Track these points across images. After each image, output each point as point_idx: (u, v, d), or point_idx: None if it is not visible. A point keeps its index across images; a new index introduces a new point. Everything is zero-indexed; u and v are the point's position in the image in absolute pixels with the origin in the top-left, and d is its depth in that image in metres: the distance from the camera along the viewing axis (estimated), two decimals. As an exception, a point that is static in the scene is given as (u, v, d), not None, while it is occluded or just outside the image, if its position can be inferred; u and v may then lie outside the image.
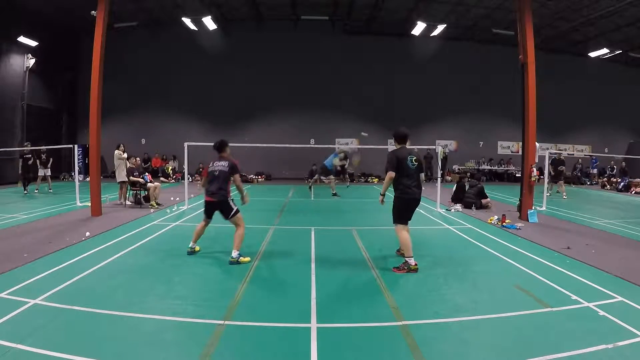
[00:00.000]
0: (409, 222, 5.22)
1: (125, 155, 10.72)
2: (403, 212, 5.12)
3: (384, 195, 5.25)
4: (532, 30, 9.13)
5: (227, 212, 5.49)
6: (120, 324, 3.42)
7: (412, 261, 4.98)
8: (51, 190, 13.13)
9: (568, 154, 20.30)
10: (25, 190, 12.71)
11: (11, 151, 15.61)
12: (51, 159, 13.54)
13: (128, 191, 10.31)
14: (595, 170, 20.95)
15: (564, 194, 13.30)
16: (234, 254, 5.26)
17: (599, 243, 6.63)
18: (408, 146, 5.28)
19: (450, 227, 8.08)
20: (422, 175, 5.24)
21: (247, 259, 5.36)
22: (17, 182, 14.60)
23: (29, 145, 13.27)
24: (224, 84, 19.85)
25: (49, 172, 13.37)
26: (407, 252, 5.00)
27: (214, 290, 4.31)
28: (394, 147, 5.27)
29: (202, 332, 3.28)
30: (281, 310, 3.79)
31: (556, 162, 13.58)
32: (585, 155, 20.98)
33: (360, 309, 3.86)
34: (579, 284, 4.53)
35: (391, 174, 4.95)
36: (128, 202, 10.27)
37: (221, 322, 3.47)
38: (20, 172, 13.14)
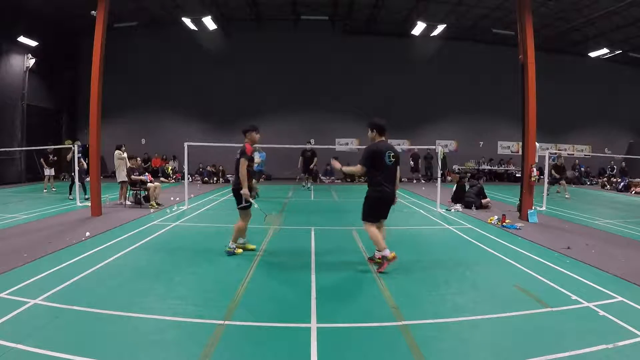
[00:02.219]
0: (386, 220, 5.27)
1: (125, 155, 10.73)
2: (373, 209, 5.03)
3: (340, 168, 5.20)
4: (532, 30, 9.13)
5: (237, 202, 5.50)
6: (120, 324, 3.42)
7: (387, 252, 4.92)
8: (54, 189, 13.21)
9: (568, 154, 20.33)
10: (71, 194, 11.29)
11: (11, 151, 15.63)
12: (55, 158, 13.64)
13: (128, 191, 10.32)
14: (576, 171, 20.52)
15: (567, 194, 13.26)
16: (231, 244, 5.54)
17: (599, 243, 6.62)
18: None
19: (450, 227, 8.08)
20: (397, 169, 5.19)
21: (240, 250, 5.59)
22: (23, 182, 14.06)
23: (80, 143, 11.91)
24: (224, 84, 19.85)
25: (53, 172, 13.47)
26: (379, 245, 4.96)
27: (214, 290, 4.30)
28: (373, 139, 5.06)
29: (202, 332, 3.28)
30: (281, 310, 3.79)
31: (558, 167, 13.66)
32: (585, 155, 20.94)
33: (360, 309, 3.86)
34: (579, 284, 4.53)
35: (360, 169, 4.93)
36: (128, 202, 10.27)
37: (221, 322, 3.47)
38: (71, 173, 11.39)
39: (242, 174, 5.36)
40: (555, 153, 14.64)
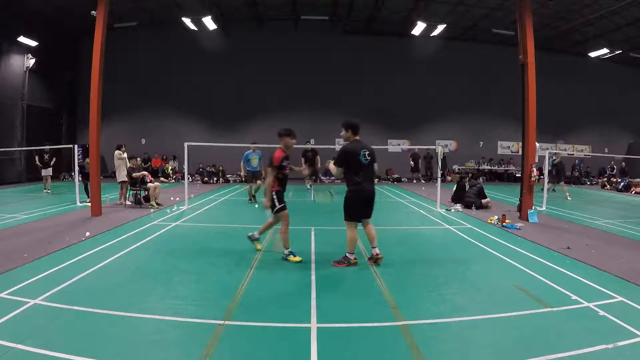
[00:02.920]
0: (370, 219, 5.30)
1: (125, 155, 10.72)
2: (354, 209, 5.08)
3: (328, 166, 5.22)
4: (532, 30, 9.13)
5: (272, 208, 5.38)
6: (120, 324, 3.42)
7: (351, 256, 5.10)
8: (49, 191, 13.12)
9: (568, 154, 20.32)
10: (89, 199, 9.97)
11: (11, 151, 15.64)
12: (54, 159, 13.64)
13: (128, 191, 10.32)
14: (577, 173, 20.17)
15: (568, 195, 13.20)
16: (285, 251, 5.40)
17: (599, 243, 6.63)
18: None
19: (450, 227, 8.08)
20: (375, 165, 5.25)
21: (298, 258, 5.33)
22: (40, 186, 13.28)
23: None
24: (224, 84, 19.85)
25: (50, 172, 13.47)
26: (349, 247, 5.11)
27: (214, 290, 4.30)
28: (348, 139, 5.14)
29: (202, 332, 3.28)
30: (281, 310, 3.79)
31: (558, 164, 13.61)
32: (585, 155, 20.94)
33: (360, 309, 3.86)
34: (579, 284, 4.53)
35: (335, 168, 5.05)
36: (128, 202, 10.27)
37: (221, 322, 3.47)
38: (80, 179, 10.98)
39: (268, 183, 5.40)
40: (556, 154, 14.61)
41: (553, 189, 14.31)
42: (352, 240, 5.13)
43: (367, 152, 5.00)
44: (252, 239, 5.94)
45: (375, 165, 5.31)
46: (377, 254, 5.25)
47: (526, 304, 3.93)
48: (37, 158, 13.39)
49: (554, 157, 13.95)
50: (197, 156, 17.38)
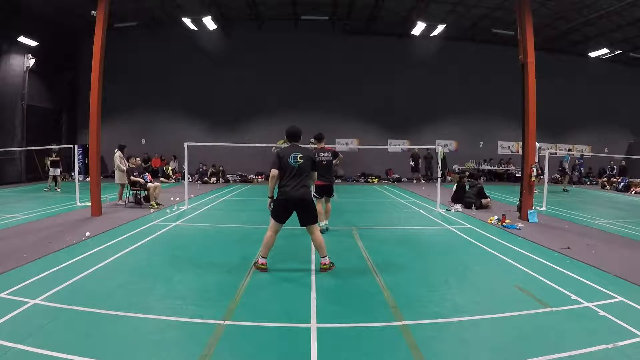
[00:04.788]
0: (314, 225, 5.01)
1: (124, 159, 10.72)
2: (274, 210, 4.92)
3: (271, 197, 4.92)
4: (532, 30, 9.13)
5: (329, 194, 7.31)
6: (120, 324, 3.42)
7: (263, 260, 4.91)
8: (59, 190, 13.38)
9: (568, 154, 20.28)
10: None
11: (11, 151, 15.64)
12: (59, 158, 13.84)
13: (128, 191, 10.32)
14: (576, 171, 19.57)
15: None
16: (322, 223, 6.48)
17: (599, 243, 6.62)
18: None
19: (450, 227, 8.08)
20: (314, 174, 5.15)
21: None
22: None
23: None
24: (224, 84, 19.84)
25: (58, 172, 13.57)
26: (262, 250, 4.94)
27: (214, 290, 4.30)
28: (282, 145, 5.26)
29: (202, 332, 3.28)
30: (281, 310, 3.79)
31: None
32: (585, 155, 20.93)
33: (360, 309, 3.86)
34: (579, 284, 4.53)
35: (272, 172, 4.81)
36: (121, 202, 10.34)
37: (221, 322, 3.47)
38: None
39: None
40: (553, 154, 14.56)
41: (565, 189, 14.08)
42: (265, 241, 4.92)
43: (299, 155, 4.88)
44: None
45: (314, 175, 5.15)
46: (322, 264, 4.93)
47: (526, 304, 3.93)
48: (42, 160, 13.54)
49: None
50: (197, 156, 17.36)
